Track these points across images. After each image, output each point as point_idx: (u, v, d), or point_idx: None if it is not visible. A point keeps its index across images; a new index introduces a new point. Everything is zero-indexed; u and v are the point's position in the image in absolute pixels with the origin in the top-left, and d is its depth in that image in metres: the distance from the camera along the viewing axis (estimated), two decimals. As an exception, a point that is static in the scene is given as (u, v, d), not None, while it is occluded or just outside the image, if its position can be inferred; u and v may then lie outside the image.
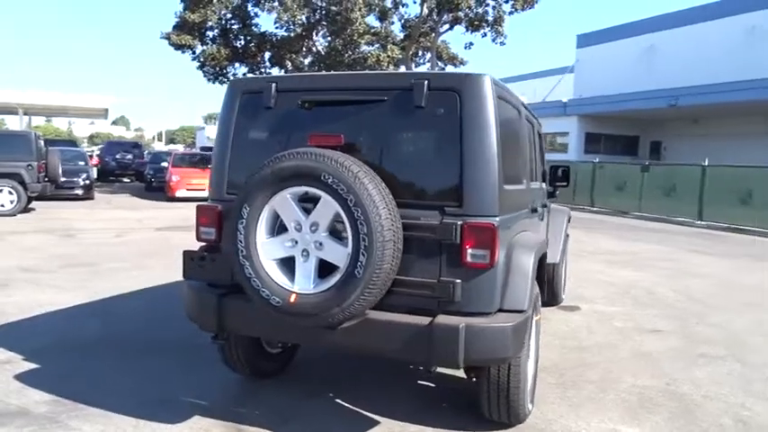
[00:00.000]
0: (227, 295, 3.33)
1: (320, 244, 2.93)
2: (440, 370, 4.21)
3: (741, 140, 24.40)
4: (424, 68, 20.35)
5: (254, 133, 3.44)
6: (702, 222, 16.22)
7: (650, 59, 31.34)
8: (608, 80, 31.82)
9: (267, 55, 21.92)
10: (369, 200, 2.78)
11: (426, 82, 3.03)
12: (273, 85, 3.35)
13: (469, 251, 2.93)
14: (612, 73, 32.35)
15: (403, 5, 19.02)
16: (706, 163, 16.74)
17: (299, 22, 17.43)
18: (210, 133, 62.93)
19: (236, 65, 21.80)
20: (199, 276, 3.50)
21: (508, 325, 2.95)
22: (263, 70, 22.73)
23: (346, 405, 3.83)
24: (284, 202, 2.97)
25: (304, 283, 2.94)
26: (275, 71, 22.49)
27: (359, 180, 2.80)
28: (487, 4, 17.08)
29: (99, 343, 4.88)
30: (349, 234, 2.83)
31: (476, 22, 17.31)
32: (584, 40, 35.58)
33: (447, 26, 17.96)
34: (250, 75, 22.35)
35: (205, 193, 17.93)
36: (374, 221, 2.76)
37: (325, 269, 2.96)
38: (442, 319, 2.91)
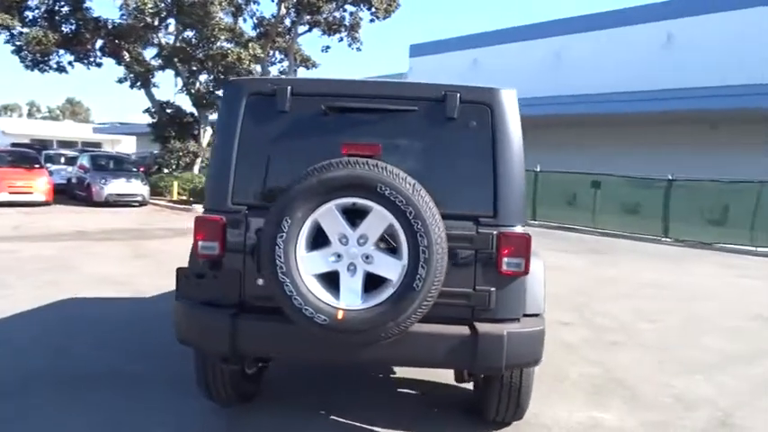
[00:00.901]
0: (238, 315, 3.07)
1: (368, 257, 2.83)
2: (424, 377, 4.32)
3: (553, 150, 27.55)
4: (275, 69, 19.99)
5: (266, 139, 3.18)
6: (536, 222, 18.09)
7: (475, 72, 34.07)
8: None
9: (99, 43, 19.88)
10: (429, 212, 2.76)
11: (459, 94, 3.09)
12: (288, 87, 3.15)
13: (505, 260, 3.04)
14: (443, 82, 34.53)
15: (255, 2, 18.52)
16: (538, 169, 18.72)
17: (149, 11, 16.01)
18: (7, 127, 54.82)
19: (62, 52, 19.42)
20: (196, 296, 3.18)
21: (539, 329, 3.12)
22: (92, 59, 20.58)
23: (342, 420, 3.71)
24: (330, 213, 2.82)
25: (351, 299, 2.82)
26: (108, 62, 20.51)
27: (417, 191, 2.77)
28: (345, 10, 17.35)
29: (16, 380, 4.11)
30: (404, 246, 2.78)
31: (334, 26, 17.47)
32: (417, 50, 37.59)
33: (306, 28, 17.88)
34: (79, 63, 20.14)
35: (32, 197, 15.91)
36: (434, 233, 2.76)
37: (369, 283, 2.87)
38: (485, 327, 2.99)
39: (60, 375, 4.22)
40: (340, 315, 2.78)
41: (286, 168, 3.14)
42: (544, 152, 27.14)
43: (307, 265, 2.83)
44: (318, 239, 2.88)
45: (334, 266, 2.85)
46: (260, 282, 3.09)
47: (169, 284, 6.98)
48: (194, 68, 18.86)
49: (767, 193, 13.88)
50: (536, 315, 3.25)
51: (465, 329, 3.00)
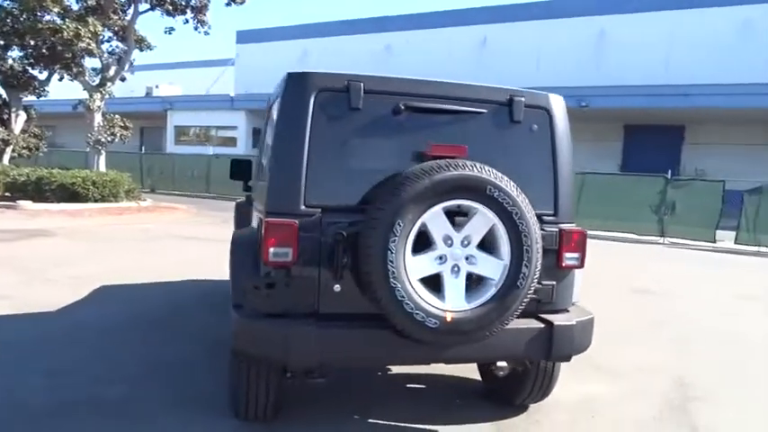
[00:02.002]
0: (323, 324, 2.91)
1: (470, 258, 2.87)
2: (426, 371, 4.38)
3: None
4: (104, 47, 17.92)
5: (338, 137, 3.03)
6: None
7: (305, 63, 33.99)
8: (269, 78, 33.09)
9: None
10: (530, 212, 2.88)
11: (524, 99, 3.24)
12: (360, 84, 3.02)
13: (566, 255, 3.27)
14: (273, 72, 33.72)
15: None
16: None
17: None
18: None
19: None
20: (265, 307, 2.94)
21: (591, 317, 3.42)
22: None
23: (377, 421, 3.66)
24: (437, 216, 2.81)
25: (457, 301, 2.85)
26: None
27: (519, 193, 2.87)
28: (192, -9, 16.21)
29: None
30: (507, 246, 2.87)
31: (180, 7, 16.20)
32: (245, 37, 36.39)
33: (147, 6, 16.28)
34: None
35: None
36: (534, 233, 2.89)
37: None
38: (558, 319, 3.20)
39: (34, 407, 3.53)
40: (449, 317, 2.79)
41: (361, 168, 3.06)
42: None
43: (413, 269, 2.78)
44: (419, 242, 2.84)
45: (439, 269, 2.85)
46: (336, 288, 2.96)
47: (63, 295, 6.14)
48: (3, 43, 16.13)
49: (589, 183, 16.05)
50: (575, 303, 3.53)
51: (538, 322, 3.17)
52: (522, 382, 3.74)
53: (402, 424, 3.64)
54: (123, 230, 12.01)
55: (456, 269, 2.86)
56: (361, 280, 2.85)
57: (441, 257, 2.85)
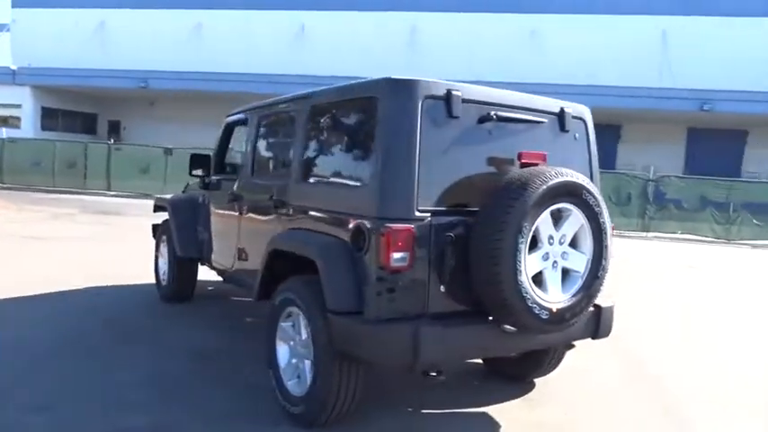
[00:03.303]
0: (447, 324, 3.07)
1: (564, 254, 3.23)
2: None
3: (190, 124, 26.99)
4: None
5: (442, 144, 3.14)
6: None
7: (104, 36, 30.65)
8: (57, 49, 29.44)
9: None
10: (607, 213, 3.32)
11: (571, 110, 3.67)
12: (459, 93, 3.18)
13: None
14: (61, 42, 30.01)
15: None
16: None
17: None
18: None
19: None
20: (388, 312, 3.02)
21: (614, 298, 3.98)
22: None
23: (428, 411, 3.86)
24: (546, 217, 3.10)
25: (556, 293, 3.18)
26: None
27: (601, 195, 3.29)
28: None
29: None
30: (590, 242, 3.28)
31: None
32: (23, 0, 31.33)
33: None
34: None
35: None
36: (609, 230, 3.33)
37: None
38: (603, 302, 3.69)
39: None
40: (555, 308, 3.11)
41: (460, 173, 3.25)
42: (182, 126, 26.58)
43: (529, 267, 3.05)
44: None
45: (543, 265, 3.14)
46: (442, 288, 3.11)
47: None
48: None
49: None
50: None
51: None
52: (539, 359, 4.20)
53: (449, 411, 3.87)
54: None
55: (555, 264, 3.19)
56: (474, 279, 3.04)
57: (544, 255, 3.15)
